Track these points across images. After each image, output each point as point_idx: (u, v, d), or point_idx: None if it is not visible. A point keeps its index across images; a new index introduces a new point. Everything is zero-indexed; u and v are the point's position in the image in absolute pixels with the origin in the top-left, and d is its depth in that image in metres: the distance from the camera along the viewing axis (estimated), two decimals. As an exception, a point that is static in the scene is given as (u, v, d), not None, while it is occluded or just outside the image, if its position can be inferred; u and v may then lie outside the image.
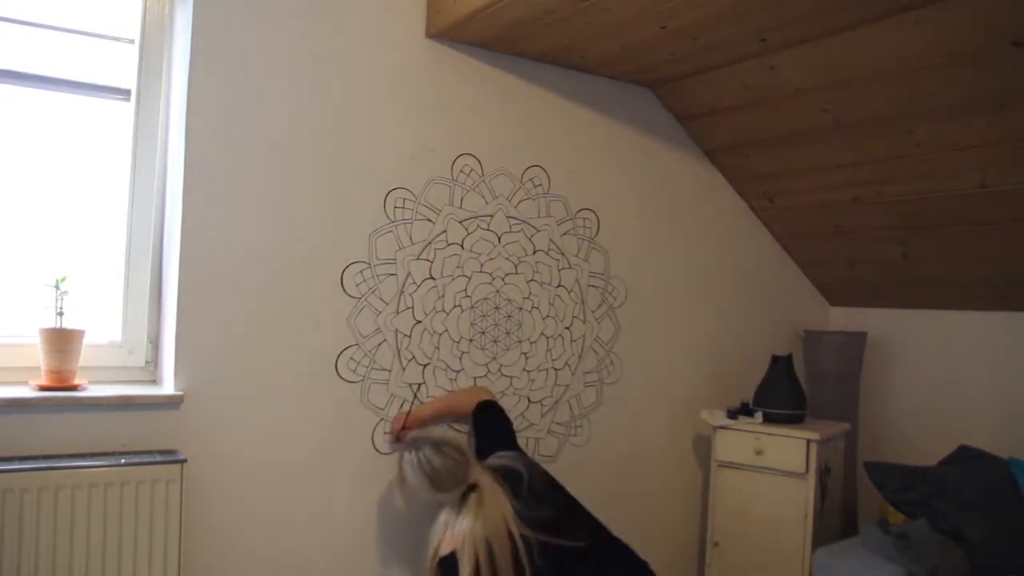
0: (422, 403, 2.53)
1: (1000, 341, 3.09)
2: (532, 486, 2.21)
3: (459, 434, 2.60)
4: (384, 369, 2.51)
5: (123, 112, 2.31)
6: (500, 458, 2.28)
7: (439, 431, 2.48)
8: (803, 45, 2.45)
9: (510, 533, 2.09)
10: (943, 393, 3.24)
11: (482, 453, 2.36)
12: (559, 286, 2.87)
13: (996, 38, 2.14)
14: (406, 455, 2.25)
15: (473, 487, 2.18)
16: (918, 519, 2.56)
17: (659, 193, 3.13)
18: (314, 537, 2.40)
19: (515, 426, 2.78)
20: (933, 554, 2.38)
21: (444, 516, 2.21)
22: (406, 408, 2.49)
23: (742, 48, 2.53)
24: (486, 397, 2.56)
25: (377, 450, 2.50)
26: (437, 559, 2.16)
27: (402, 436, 2.41)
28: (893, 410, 3.42)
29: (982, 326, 3.14)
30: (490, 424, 2.48)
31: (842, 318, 3.67)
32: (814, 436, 2.80)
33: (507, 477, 2.21)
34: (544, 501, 2.19)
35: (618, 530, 2.28)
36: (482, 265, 2.69)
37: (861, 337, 3.41)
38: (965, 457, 2.80)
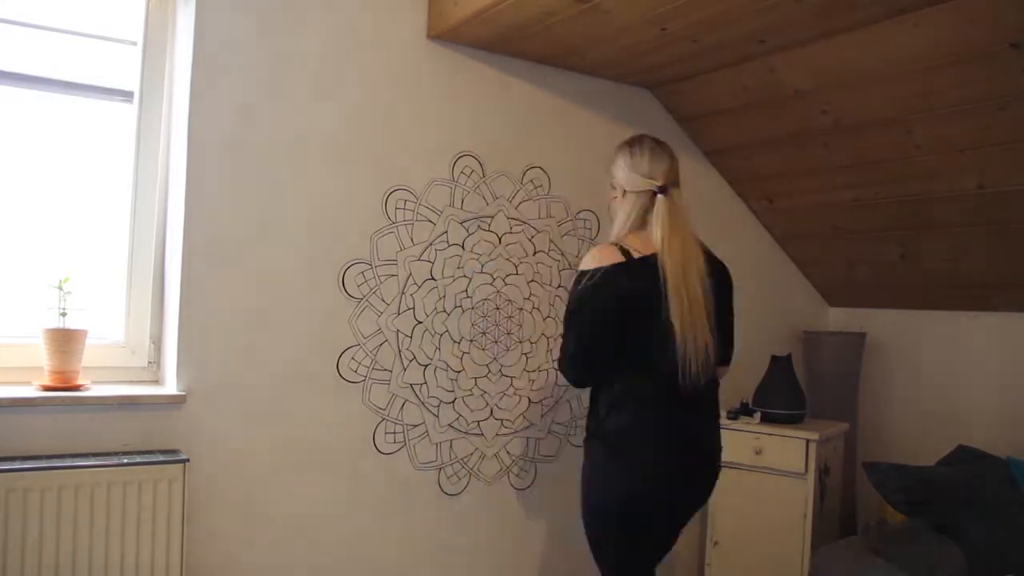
0: None
1: (999, 341, 3.10)
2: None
3: None
4: (385, 369, 2.52)
5: (126, 114, 2.32)
6: None
7: None
8: (802, 47, 2.47)
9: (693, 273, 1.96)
10: (942, 393, 3.25)
11: None
12: (560, 287, 2.88)
13: (994, 40, 2.16)
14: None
15: (665, 189, 2.01)
16: (917, 519, 2.56)
17: (659, 194, 3.13)
18: (315, 537, 2.41)
19: (515, 427, 2.79)
20: (932, 554, 2.39)
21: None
22: None
23: (741, 50, 2.54)
24: None
25: (378, 450, 2.51)
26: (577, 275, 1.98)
27: None
28: (892, 410, 3.42)
29: (981, 326, 3.15)
30: None
31: (841, 318, 3.68)
32: (813, 436, 2.81)
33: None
34: None
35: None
36: (483, 266, 2.70)
37: (860, 337, 3.42)
38: (964, 457, 2.81)
